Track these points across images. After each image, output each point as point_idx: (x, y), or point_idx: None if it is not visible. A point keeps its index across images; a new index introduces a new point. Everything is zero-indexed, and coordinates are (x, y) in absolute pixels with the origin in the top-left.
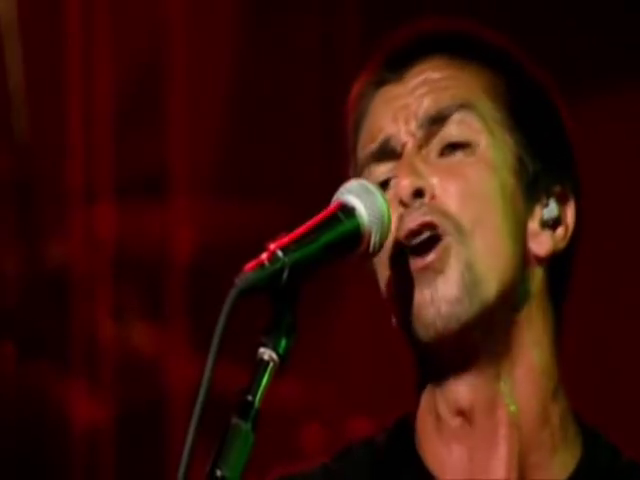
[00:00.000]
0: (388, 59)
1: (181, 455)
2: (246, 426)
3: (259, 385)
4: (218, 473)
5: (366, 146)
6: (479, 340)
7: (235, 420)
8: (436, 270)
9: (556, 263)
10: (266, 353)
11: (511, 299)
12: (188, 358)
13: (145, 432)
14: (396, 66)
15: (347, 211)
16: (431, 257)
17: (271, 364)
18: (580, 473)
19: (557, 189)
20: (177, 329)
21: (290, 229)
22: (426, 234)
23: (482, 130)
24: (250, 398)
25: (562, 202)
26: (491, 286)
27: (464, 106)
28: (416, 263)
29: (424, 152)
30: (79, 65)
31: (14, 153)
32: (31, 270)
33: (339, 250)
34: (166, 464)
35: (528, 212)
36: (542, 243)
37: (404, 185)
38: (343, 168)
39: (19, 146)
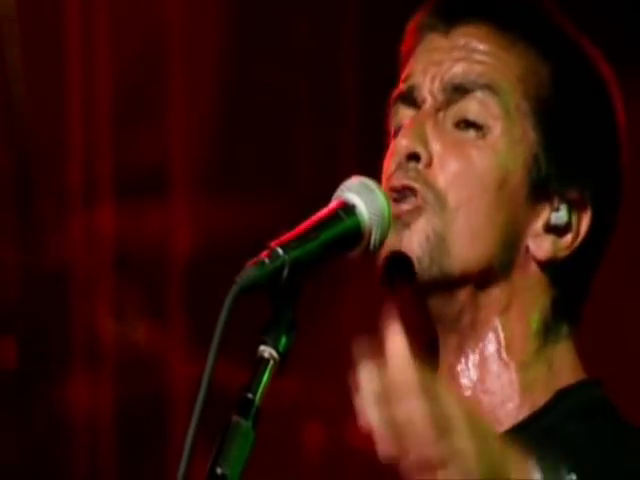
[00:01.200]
0: (443, 8)
1: (182, 452)
2: (246, 424)
3: (259, 383)
4: (218, 471)
5: (400, 84)
6: (441, 307)
7: (235, 418)
8: (404, 222)
9: (564, 269)
10: (266, 351)
11: (483, 284)
12: (189, 356)
13: (146, 429)
14: (448, 18)
15: (347, 209)
16: (404, 207)
17: (271, 362)
18: (528, 422)
19: (574, 195)
20: (177, 327)
21: (290, 227)
22: (406, 194)
23: (500, 117)
24: (250, 396)
25: (577, 209)
26: (457, 262)
27: (489, 87)
28: (392, 210)
29: (441, 115)
30: (79, 66)
31: (14, 152)
32: (32, 268)
33: (339, 248)
34: (167, 461)
35: (532, 211)
36: (541, 246)
37: (401, 145)
38: (343, 168)
39: (19, 145)
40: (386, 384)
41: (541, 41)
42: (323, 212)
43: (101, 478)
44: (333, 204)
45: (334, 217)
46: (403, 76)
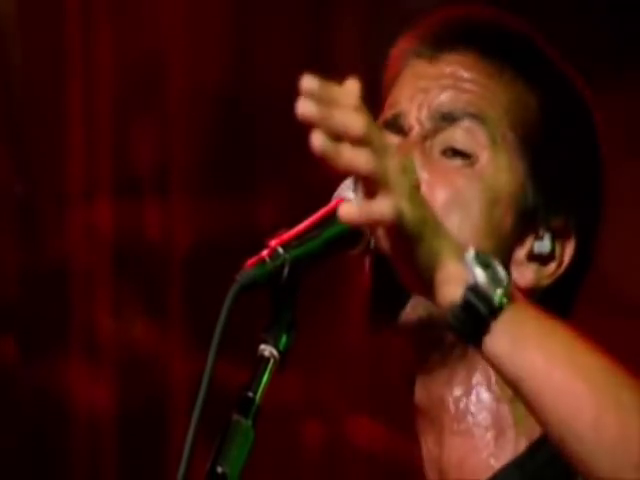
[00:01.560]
0: (429, 34)
1: (182, 451)
2: (247, 423)
3: (260, 382)
4: (219, 470)
5: (385, 111)
6: (429, 340)
7: (236, 417)
8: None
9: (547, 298)
10: (267, 350)
11: None
12: (188, 354)
13: (145, 427)
14: (434, 45)
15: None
16: None
17: (271, 360)
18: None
19: (558, 224)
20: (177, 325)
21: (290, 226)
22: None
23: (486, 146)
24: (251, 394)
25: (561, 238)
26: None
27: (475, 117)
28: None
29: (428, 144)
30: (80, 66)
31: (14, 149)
32: (32, 266)
33: (339, 246)
34: (167, 460)
35: (517, 240)
36: (523, 275)
37: None
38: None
39: (19, 142)
40: (329, 93)
41: (528, 70)
42: (323, 211)
43: (101, 477)
44: (333, 203)
45: (334, 216)
46: (388, 103)
